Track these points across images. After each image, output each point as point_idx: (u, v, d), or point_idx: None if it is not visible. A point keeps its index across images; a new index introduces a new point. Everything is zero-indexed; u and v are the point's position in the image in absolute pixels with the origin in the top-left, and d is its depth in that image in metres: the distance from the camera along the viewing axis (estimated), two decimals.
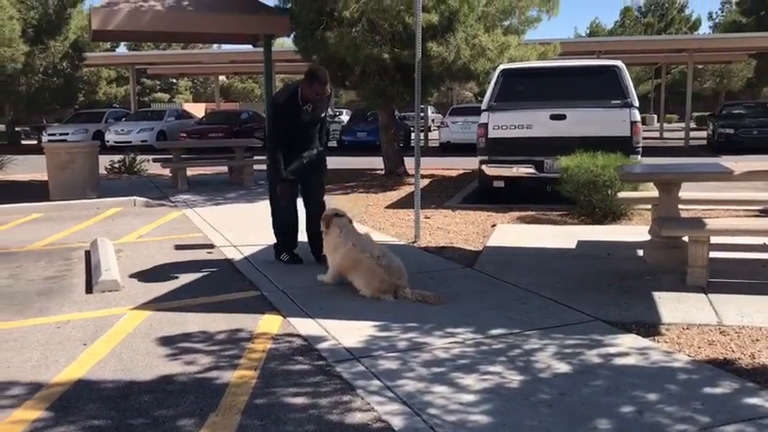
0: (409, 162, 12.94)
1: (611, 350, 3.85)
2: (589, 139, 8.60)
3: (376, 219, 8.59)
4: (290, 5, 12.47)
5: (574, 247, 6.59)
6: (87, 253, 6.71)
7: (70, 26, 18.21)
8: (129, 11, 11.26)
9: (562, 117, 9.11)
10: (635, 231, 7.16)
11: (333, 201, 10.27)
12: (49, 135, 24.70)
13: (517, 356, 3.79)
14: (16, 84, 17.73)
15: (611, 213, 7.99)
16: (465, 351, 3.89)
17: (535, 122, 9.21)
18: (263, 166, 13.32)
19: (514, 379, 3.48)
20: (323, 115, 6.19)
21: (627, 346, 3.90)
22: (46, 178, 11.14)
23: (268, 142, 6.28)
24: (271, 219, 6.32)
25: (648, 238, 6.08)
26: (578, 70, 10.01)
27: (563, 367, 3.62)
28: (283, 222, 6.21)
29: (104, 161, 13.39)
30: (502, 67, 10.00)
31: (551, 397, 3.27)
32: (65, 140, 22.42)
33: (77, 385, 3.57)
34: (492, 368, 3.63)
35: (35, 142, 28.45)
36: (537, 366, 3.64)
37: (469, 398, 3.27)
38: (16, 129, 30.06)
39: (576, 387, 3.37)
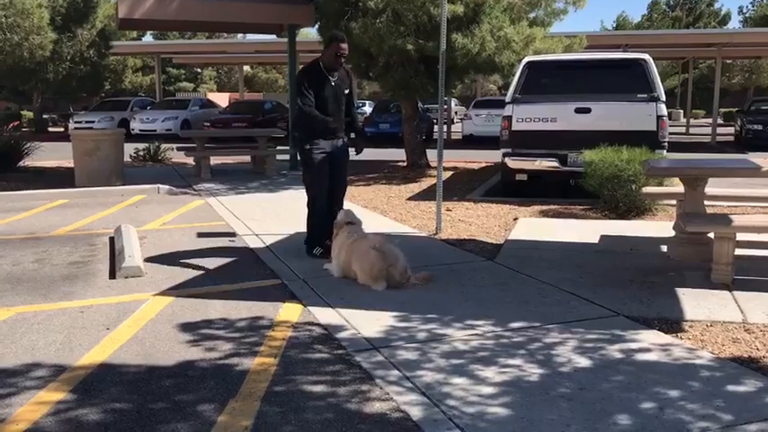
0: (432, 154, 12.92)
1: (633, 346, 3.82)
2: (614, 133, 8.51)
3: (397, 210, 8.58)
4: None
5: (597, 241, 6.53)
6: (111, 239, 6.79)
7: (97, 15, 18.40)
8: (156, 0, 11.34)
9: (587, 110, 9.01)
10: (659, 227, 7.09)
11: (355, 192, 10.30)
12: (75, 122, 24.99)
13: (537, 350, 3.77)
14: (44, 71, 17.96)
15: (635, 208, 7.91)
16: (484, 343, 3.87)
17: (560, 116, 9.13)
18: (287, 156, 13.41)
19: (534, 372, 3.47)
20: (346, 91, 6.09)
21: (649, 342, 3.86)
22: (72, 165, 11.29)
23: (299, 114, 5.95)
24: (307, 209, 6.08)
25: (673, 233, 6.01)
26: (604, 63, 9.88)
27: (583, 362, 3.60)
28: (321, 207, 5.98)
29: (129, 149, 13.53)
30: (527, 59, 9.91)
31: (571, 391, 3.24)
32: (91, 128, 22.66)
33: (100, 369, 3.61)
34: (511, 361, 3.61)
35: (62, 129, 28.85)
36: (557, 360, 3.62)
37: (488, 390, 3.26)
38: (43, 116, 30.45)
39: (597, 382, 3.35)
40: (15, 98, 31.81)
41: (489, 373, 3.46)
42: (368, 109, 29.87)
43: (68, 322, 4.37)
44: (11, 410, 3.13)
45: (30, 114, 31.90)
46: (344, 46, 5.89)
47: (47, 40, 11.07)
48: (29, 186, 10.63)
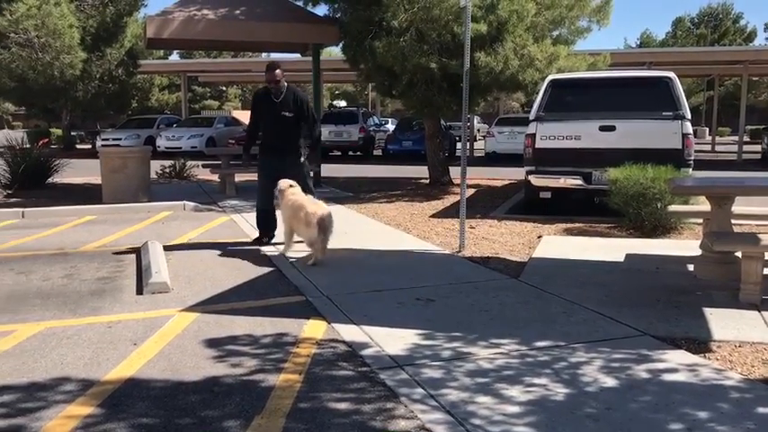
0: (454, 171, 12.92)
1: (660, 366, 3.78)
2: (639, 151, 8.46)
3: (420, 228, 8.59)
4: (339, 15, 12.60)
5: (622, 260, 6.48)
6: (138, 255, 6.87)
7: (126, 34, 18.75)
8: (183, 20, 11.55)
9: (611, 128, 8.98)
10: (685, 245, 7.02)
11: (378, 209, 10.33)
12: (102, 140, 25.40)
13: (562, 369, 3.74)
14: (74, 90, 18.29)
15: (661, 227, 7.85)
16: (509, 362, 3.86)
17: (584, 133, 9.10)
18: (311, 174, 13.47)
19: (560, 392, 3.44)
20: (288, 114, 7.16)
21: (676, 362, 3.82)
22: (99, 182, 11.45)
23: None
24: None
25: (699, 252, 5.95)
26: (629, 81, 9.86)
27: (610, 381, 3.57)
28: (258, 208, 7.54)
29: (155, 166, 13.70)
30: (551, 77, 9.92)
31: (597, 411, 3.22)
32: (118, 145, 23.03)
33: (127, 384, 3.66)
34: (537, 380, 3.59)
35: (89, 146, 29.31)
36: (583, 380, 3.59)
37: (514, 409, 3.25)
38: (72, 133, 30.95)
39: (624, 402, 3.32)
40: (45, 116, 32.41)
41: (514, 392, 3.44)
42: (390, 126, 29.99)
43: (96, 337, 4.43)
44: (40, 424, 3.18)
45: (58, 131, 32.46)
46: (270, 75, 7.09)
47: (77, 60, 11.29)
48: (57, 203, 10.81)
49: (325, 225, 6.31)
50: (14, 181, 12.46)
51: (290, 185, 6.84)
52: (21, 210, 10.05)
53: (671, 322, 4.53)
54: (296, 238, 6.81)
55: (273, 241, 7.45)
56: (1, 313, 5.00)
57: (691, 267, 5.99)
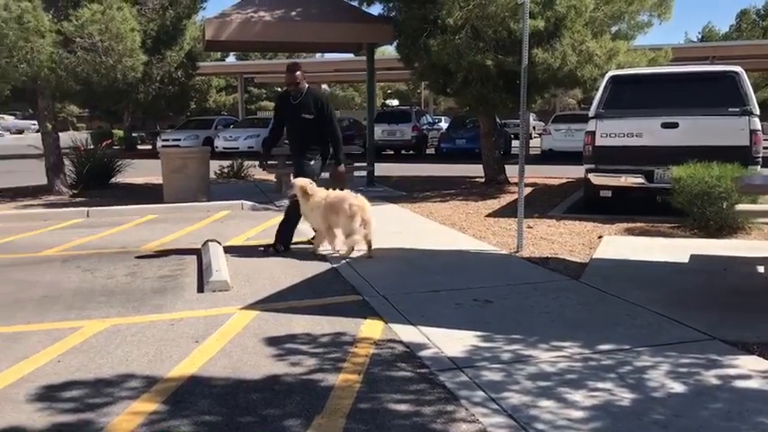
0: (510, 170, 12.77)
1: (731, 372, 3.63)
2: (703, 149, 8.20)
3: (476, 227, 8.50)
4: (393, 14, 12.58)
5: (686, 260, 6.28)
6: (199, 254, 6.99)
7: (185, 37, 19.09)
8: (241, 21, 11.71)
9: (674, 125, 8.72)
10: (753, 246, 6.76)
11: (432, 208, 10.28)
12: (163, 140, 26.04)
13: (628, 373, 3.63)
14: (135, 92, 18.76)
15: (727, 227, 7.58)
16: (572, 366, 3.77)
17: (645, 131, 8.87)
18: (364, 173, 13.54)
19: (625, 397, 3.34)
20: (308, 116, 7.09)
21: (748, 369, 3.67)
22: (160, 181, 11.72)
23: None
24: None
25: None
26: (693, 76, 9.56)
27: (678, 387, 3.45)
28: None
29: (214, 166, 13.94)
30: (611, 73, 9.70)
31: (665, 418, 3.11)
32: (177, 146, 23.57)
33: (190, 381, 3.71)
34: (601, 384, 3.50)
35: (149, 147, 30.08)
36: (649, 385, 3.48)
37: (578, 414, 3.17)
38: (133, 134, 31.79)
39: (693, 409, 3.20)
40: (107, 117, 33.38)
41: (578, 396, 3.36)
42: (443, 125, 29.84)
43: (159, 335, 4.52)
44: (107, 419, 3.25)
45: (120, 133, 33.40)
46: (290, 76, 7.07)
47: (138, 63, 11.54)
48: (120, 202, 11.12)
49: (367, 218, 6.59)
50: (80, 181, 12.87)
51: (310, 183, 6.95)
52: (86, 209, 10.37)
53: (742, 326, 4.36)
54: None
55: None
56: (68, 310, 5.16)
57: (761, 269, 5.76)
